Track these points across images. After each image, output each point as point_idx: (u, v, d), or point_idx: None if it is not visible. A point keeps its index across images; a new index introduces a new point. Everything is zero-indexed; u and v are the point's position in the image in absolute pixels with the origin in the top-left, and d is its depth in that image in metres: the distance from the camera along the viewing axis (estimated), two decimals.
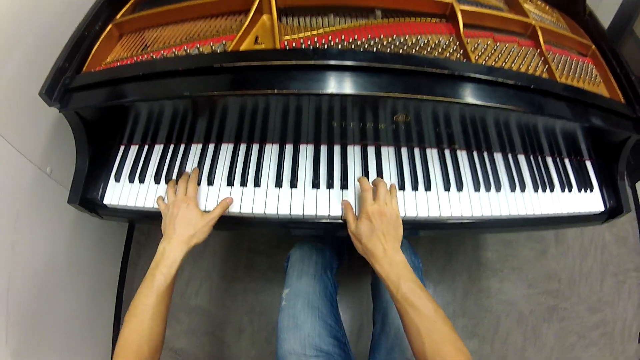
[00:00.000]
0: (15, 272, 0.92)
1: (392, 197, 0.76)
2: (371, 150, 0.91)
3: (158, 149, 0.92)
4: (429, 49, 0.87)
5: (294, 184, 0.85)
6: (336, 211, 0.83)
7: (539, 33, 0.99)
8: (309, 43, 0.84)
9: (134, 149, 0.92)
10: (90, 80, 0.80)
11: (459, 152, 0.93)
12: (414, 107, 0.80)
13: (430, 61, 0.79)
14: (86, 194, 0.86)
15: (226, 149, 0.90)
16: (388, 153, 0.91)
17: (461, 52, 0.88)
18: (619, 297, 1.64)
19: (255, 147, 0.90)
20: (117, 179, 0.88)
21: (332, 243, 1.08)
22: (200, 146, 0.91)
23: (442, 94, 0.74)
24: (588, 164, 1.02)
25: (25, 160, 0.94)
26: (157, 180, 0.87)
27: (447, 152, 0.92)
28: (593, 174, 1.01)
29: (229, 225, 0.82)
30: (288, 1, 0.90)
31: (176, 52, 0.84)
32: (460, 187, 0.88)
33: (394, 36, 0.88)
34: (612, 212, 0.98)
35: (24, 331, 0.96)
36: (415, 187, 0.86)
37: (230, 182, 0.85)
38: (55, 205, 1.06)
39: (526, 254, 1.69)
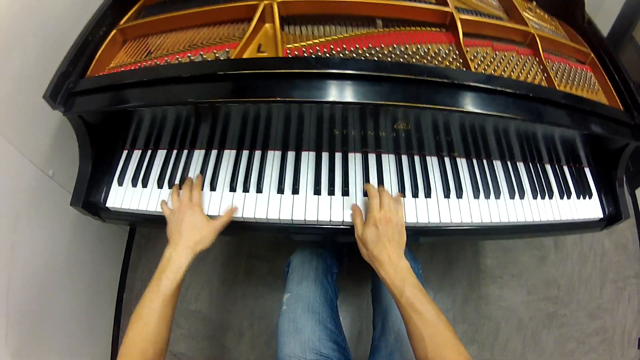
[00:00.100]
0: (15, 272, 0.93)
1: (399, 205, 0.78)
2: (372, 158, 0.91)
3: (161, 154, 0.93)
4: (429, 57, 0.88)
5: (295, 190, 0.86)
6: (337, 217, 0.83)
7: (538, 41, 1.00)
8: (310, 52, 0.85)
9: (137, 154, 0.93)
10: (94, 84, 0.81)
11: (458, 160, 0.94)
12: (415, 116, 0.81)
13: (430, 70, 0.80)
14: (89, 196, 0.87)
15: (229, 155, 0.91)
16: (389, 160, 0.92)
17: (461, 61, 0.89)
18: (619, 303, 1.65)
19: (257, 154, 0.91)
20: (120, 183, 0.89)
21: (333, 249, 1.09)
22: (203, 152, 0.92)
23: (442, 103, 0.75)
24: (587, 170, 1.03)
25: (27, 162, 0.95)
26: (160, 185, 0.88)
27: (447, 160, 0.93)
28: (592, 181, 1.01)
29: (231, 230, 0.82)
30: (290, 10, 0.91)
31: (180, 59, 0.85)
32: (460, 194, 0.89)
33: (395, 45, 0.89)
34: (610, 218, 0.99)
35: (24, 331, 0.97)
36: (415, 194, 0.87)
37: (232, 188, 0.86)
38: (57, 207, 1.06)
39: (526, 260, 1.69)
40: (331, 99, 0.73)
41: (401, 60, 0.86)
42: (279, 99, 0.73)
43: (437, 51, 0.90)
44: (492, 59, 0.94)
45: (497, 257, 1.68)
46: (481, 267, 1.65)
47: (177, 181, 0.88)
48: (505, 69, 0.93)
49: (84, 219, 0.95)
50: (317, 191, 0.86)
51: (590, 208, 0.98)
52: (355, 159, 0.91)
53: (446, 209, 0.86)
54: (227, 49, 0.86)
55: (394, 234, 0.73)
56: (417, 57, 0.88)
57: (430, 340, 0.61)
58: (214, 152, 0.92)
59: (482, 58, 0.93)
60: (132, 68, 0.88)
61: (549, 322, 1.58)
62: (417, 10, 0.95)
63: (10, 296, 0.91)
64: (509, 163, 0.97)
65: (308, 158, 0.90)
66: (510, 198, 0.91)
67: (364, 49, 0.87)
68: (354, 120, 0.83)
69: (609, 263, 1.72)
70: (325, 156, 0.91)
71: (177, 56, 0.86)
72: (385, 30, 0.93)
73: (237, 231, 0.87)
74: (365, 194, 0.86)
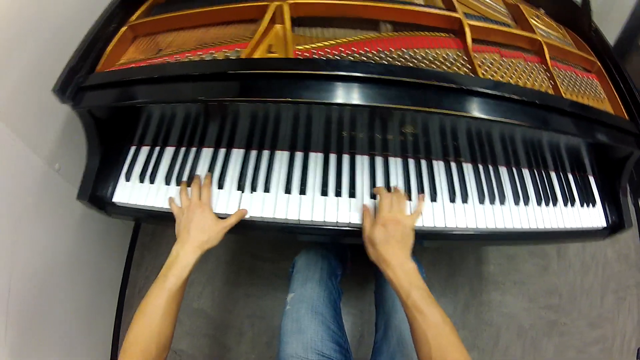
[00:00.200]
0: (16, 270, 0.92)
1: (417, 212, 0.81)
2: (379, 160, 0.92)
3: (169, 151, 0.93)
4: (437, 62, 0.89)
5: (303, 190, 0.86)
6: (344, 218, 0.84)
7: (545, 49, 1.00)
8: (320, 54, 0.85)
9: (145, 150, 0.93)
10: (103, 79, 0.81)
11: (464, 165, 0.94)
12: (422, 120, 0.82)
13: (438, 75, 0.80)
14: (96, 191, 0.87)
15: (237, 154, 0.92)
16: (396, 164, 0.92)
17: (469, 66, 0.90)
18: (619, 313, 1.64)
19: (265, 154, 0.92)
20: (128, 178, 0.90)
21: (337, 251, 1.09)
22: (211, 150, 0.93)
23: (449, 107, 0.76)
24: (591, 179, 1.03)
25: (34, 155, 0.95)
26: (167, 182, 0.88)
27: (453, 165, 0.94)
28: (596, 190, 1.02)
29: (238, 228, 0.83)
30: (301, 11, 0.92)
31: (190, 57, 0.86)
32: (465, 199, 0.89)
33: (404, 49, 0.90)
34: (614, 227, 0.99)
35: (24, 331, 0.96)
36: None
37: (240, 187, 0.87)
38: (61, 202, 1.06)
39: (528, 268, 1.69)
40: (340, 101, 0.73)
41: (410, 64, 0.87)
42: (289, 99, 0.74)
43: (445, 56, 0.91)
44: (499, 66, 0.95)
45: (500, 264, 1.68)
46: (484, 274, 1.65)
47: (184, 179, 0.89)
48: (513, 75, 0.93)
49: (88, 214, 0.94)
50: (324, 192, 0.86)
51: (593, 216, 0.98)
52: (362, 161, 0.92)
53: (451, 213, 0.87)
54: (237, 49, 0.86)
55: (402, 235, 0.73)
56: (426, 61, 0.88)
57: (435, 342, 0.61)
58: (222, 151, 0.93)
59: (489, 64, 0.93)
60: (142, 65, 0.88)
61: (549, 330, 1.58)
62: (427, 15, 0.96)
63: (10, 295, 0.90)
64: (514, 169, 0.97)
65: (316, 159, 0.91)
66: (515, 204, 0.92)
67: (373, 52, 0.88)
68: (362, 123, 0.83)
69: (611, 273, 1.72)
70: (332, 158, 0.92)
71: (188, 54, 0.87)
72: (395, 34, 0.94)
73: (243, 230, 0.87)
74: (372, 196, 0.87)
